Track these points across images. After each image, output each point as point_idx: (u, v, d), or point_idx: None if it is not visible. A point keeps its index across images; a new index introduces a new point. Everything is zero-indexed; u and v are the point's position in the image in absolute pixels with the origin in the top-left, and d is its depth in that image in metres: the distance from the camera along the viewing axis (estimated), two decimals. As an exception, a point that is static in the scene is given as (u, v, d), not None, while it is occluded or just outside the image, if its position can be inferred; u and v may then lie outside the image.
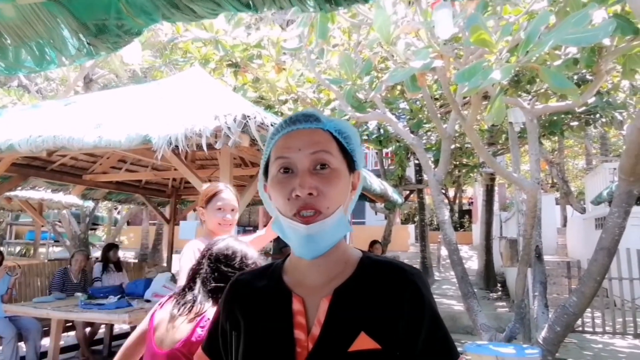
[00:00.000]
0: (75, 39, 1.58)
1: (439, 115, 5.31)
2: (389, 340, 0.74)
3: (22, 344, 4.36)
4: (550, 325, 3.63)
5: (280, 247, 6.91)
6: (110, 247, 5.61)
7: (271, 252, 6.86)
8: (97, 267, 5.42)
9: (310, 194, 0.75)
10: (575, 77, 5.41)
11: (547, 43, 2.02)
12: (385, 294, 0.78)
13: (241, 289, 0.87)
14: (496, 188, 12.57)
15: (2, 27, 1.57)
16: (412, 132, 6.59)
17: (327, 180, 0.76)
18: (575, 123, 6.55)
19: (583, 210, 11.69)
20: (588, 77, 5.19)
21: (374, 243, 6.52)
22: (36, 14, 1.50)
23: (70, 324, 4.77)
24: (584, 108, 5.97)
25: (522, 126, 5.46)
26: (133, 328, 5.93)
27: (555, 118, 6.34)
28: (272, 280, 0.85)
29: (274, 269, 0.87)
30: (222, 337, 0.86)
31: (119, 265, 5.59)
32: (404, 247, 15.99)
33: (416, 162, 10.54)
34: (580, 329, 6.22)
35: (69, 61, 1.65)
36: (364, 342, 0.73)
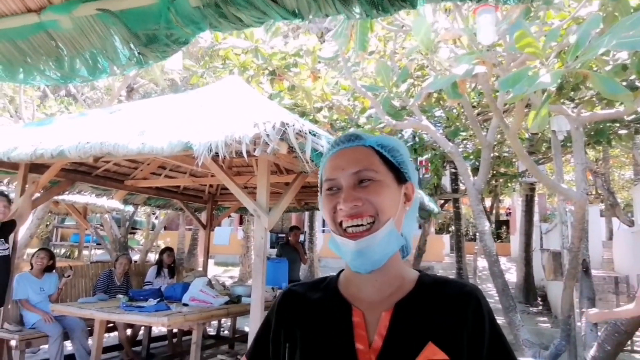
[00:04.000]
0: (127, 48, 1.63)
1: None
2: (456, 350, 0.74)
3: (66, 343, 4.53)
4: (600, 344, 3.44)
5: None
6: (165, 251, 5.77)
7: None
8: (152, 271, 5.56)
9: (355, 205, 0.77)
10: (624, 83, 5.17)
11: (598, 47, 1.94)
12: (447, 306, 0.79)
13: (296, 300, 0.88)
14: (536, 198, 12.14)
15: (59, 38, 1.64)
16: (448, 140, 6.46)
17: (371, 190, 0.79)
18: (623, 131, 6.25)
19: (631, 223, 11.09)
20: (637, 83, 4.95)
21: None
22: (91, 25, 1.57)
23: (112, 325, 4.91)
24: (633, 116, 5.69)
25: (566, 135, 5.26)
26: (170, 331, 6.00)
27: (601, 126, 6.07)
28: (328, 293, 0.86)
29: (329, 283, 0.89)
30: (274, 346, 0.86)
31: (173, 270, 5.71)
32: (439, 257, 15.66)
33: (452, 170, 10.34)
34: (629, 348, 5.88)
35: (120, 70, 1.71)
36: (432, 352, 0.74)
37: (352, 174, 0.79)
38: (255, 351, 0.89)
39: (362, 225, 0.77)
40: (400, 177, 0.83)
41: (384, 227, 0.77)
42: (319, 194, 0.87)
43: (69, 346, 4.59)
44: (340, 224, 0.78)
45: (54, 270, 4.87)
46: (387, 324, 0.78)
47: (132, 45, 1.63)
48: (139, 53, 1.64)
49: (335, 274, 0.90)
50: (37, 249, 5.05)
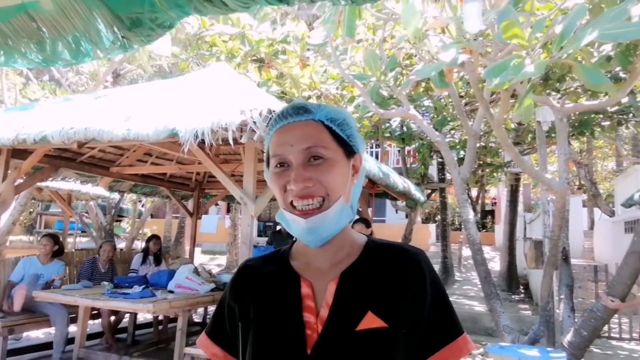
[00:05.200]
0: (110, 32, 1.60)
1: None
2: (394, 318, 0.77)
3: (50, 330, 4.51)
4: (576, 330, 3.55)
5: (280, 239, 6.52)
6: (151, 238, 5.73)
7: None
8: (137, 258, 5.52)
9: (306, 187, 0.76)
10: (608, 75, 5.25)
11: (583, 38, 1.96)
12: (389, 275, 0.81)
13: (250, 275, 0.89)
14: (521, 188, 12.31)
15: (40, 20, 1.61)
16: (436, 130, 6.50)
17: (322, 169, 0.77)
18: (606, 123, 6.36)
19: (612, 214, 11.34)
20: (621, 75, 5.03)
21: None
22: (73, 6, 1.53)
23: (96, 312, 4.90)
24: (616, 107, 5.80)
25: (550, 125, 5.33)
26: (156, 318, 5.99)
27: (585, 117, 6.17)
28: (280, 265, 0.87)
29: (282, 255, 0.89)
30: (230, 318, 0.88)
31: (159, 258, 5.68)
32: (425, 246, 15.86)
33: (439, 160, 10.42)
34: (606, 334, 6.06)
35: (103, 54, 1.68)
36: (371, 321, 0.76)
37: (302, 150, 0.78)
38: (213, 327, 0.92)
39: (312, 204, 0.77)
40: (349, 150, 0.83)
41: (334, 205, 0.77)
42: (265, 167, 0.85)
43: (51, 331, 4.57)
44: (291, 202, 0.78)
45: (61, 256, 4.90)
46: (333, 292, 0.79)
47: (115, 29, 1.60)
48: (122, 37, 1.61)
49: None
50: (41, 235, 5.07)
